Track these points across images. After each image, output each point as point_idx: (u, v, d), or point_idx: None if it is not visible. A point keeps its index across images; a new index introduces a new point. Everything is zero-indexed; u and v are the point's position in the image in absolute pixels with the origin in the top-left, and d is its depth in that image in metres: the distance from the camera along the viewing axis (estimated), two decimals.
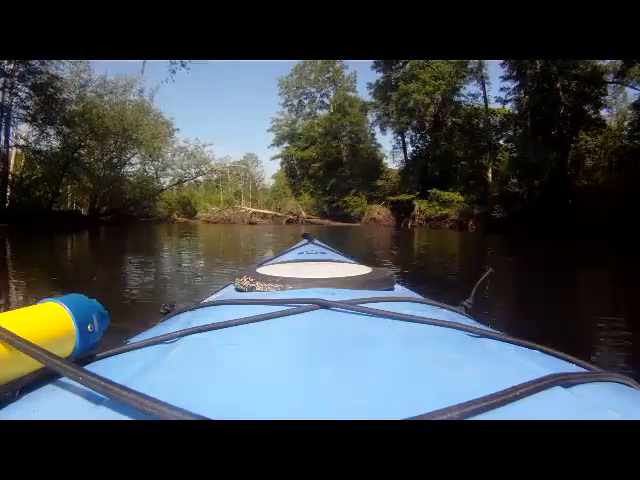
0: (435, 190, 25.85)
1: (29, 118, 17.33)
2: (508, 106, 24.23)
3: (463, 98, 28.42)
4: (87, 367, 0.41)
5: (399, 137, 31.61)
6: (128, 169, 26.34)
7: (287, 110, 38.84)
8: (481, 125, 27.93)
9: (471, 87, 32.34)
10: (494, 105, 27.43)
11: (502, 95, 22.78)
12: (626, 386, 0.40)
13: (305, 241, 1.83)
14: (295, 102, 38.02)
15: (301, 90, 37.15)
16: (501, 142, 26.05)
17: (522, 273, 5.99)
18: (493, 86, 25.97)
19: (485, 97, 26.18)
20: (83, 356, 0.44)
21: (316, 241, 1.84)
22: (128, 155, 24.98)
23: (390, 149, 49.81)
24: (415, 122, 28.93)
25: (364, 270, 0.90)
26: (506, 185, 19.59)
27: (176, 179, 27.14)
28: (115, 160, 23.42)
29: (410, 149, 31.36)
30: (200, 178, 27.66)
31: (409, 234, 18.83)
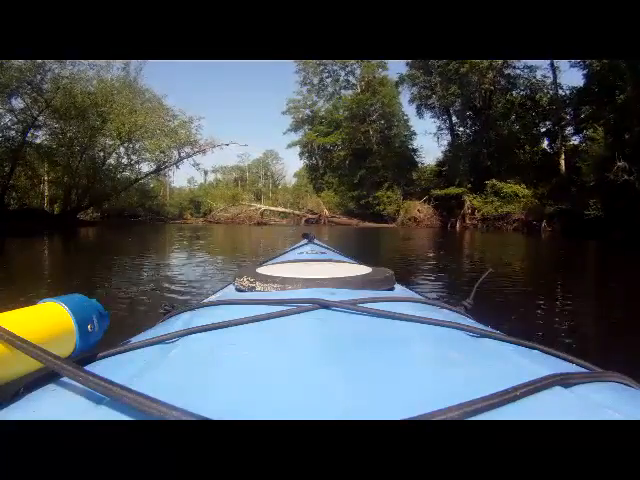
0: (494, 182, 20.32)
1: None
2: (581, 77, 18.48)
3: (519, 71, 22.68)
4: (87, 367, 0.44)
5: (444, 116, 26.28)
6: (112, 159, 21.98)
7: (306, 90, 34.23)
8: (545, 100, 21.92)
9: None
10: (568, 71, 21.54)
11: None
12: (626, 386, 0.43)
13: (305, 241, 1.89)
14: (315, 80, 33.41)
15: (322, 67, 32.23)
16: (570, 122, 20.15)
17: None
18: None
19: (552, 62, 20.24)
20: (83, 356, 0.47)
21: (316, 241, 1.90)
22: (110, 142, 20.58)
23: (426, 135, 44.29)
24: (463, 98, 23.28)
25: (364, 270, 0.93)
26: (608, 171, 13.91)
27: (154, 166, 22.28)
28: (90, 145, 19.04)
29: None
30: (209, 170, 22.69)
31: (463, 237, 13.86)
